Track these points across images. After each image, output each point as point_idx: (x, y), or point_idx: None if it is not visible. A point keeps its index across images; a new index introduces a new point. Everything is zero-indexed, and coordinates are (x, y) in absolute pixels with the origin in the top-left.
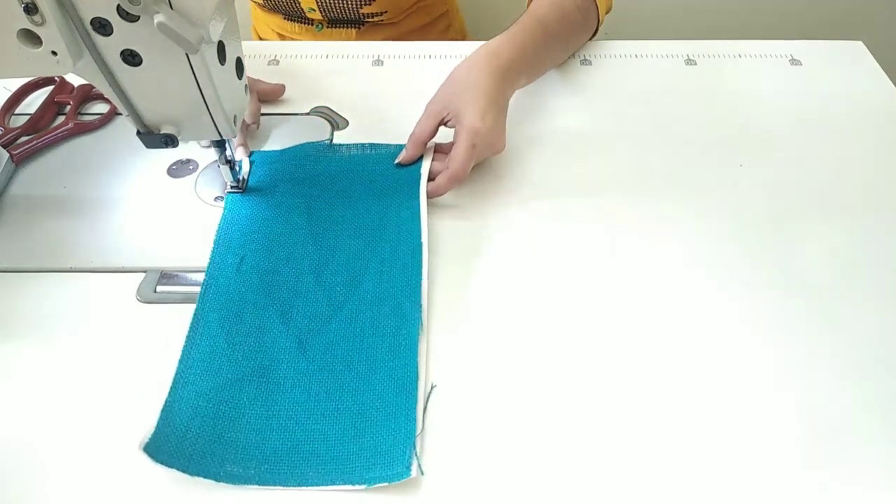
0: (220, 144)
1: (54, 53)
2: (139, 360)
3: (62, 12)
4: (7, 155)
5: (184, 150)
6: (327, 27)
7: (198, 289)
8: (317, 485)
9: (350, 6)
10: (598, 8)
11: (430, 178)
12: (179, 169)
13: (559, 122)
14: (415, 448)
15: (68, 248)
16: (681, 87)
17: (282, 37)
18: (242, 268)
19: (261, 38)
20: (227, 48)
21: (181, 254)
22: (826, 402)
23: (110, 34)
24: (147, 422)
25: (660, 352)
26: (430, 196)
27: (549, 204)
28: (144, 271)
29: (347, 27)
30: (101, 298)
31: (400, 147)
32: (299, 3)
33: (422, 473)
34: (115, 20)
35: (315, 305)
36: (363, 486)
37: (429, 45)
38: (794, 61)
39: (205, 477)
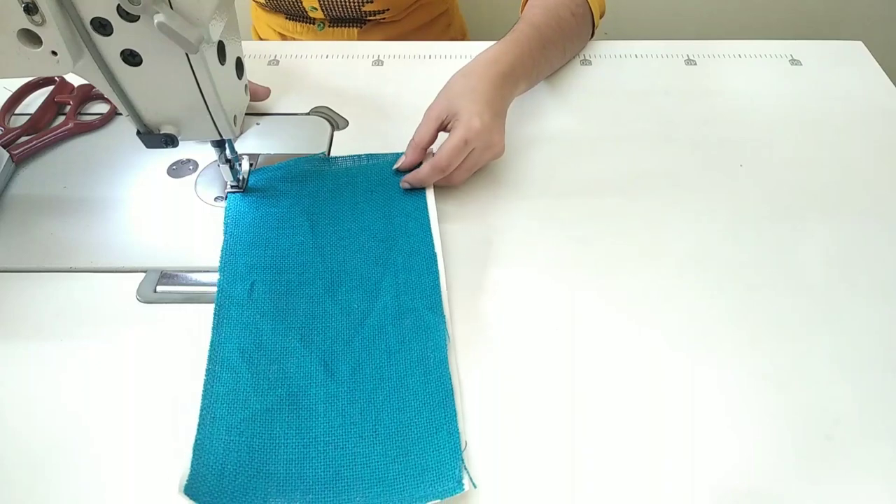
0: (219, 144)
1: (54, 53)
2: (140, 360)
3: (62, 12)
4: (7, 155)
5: (184, 150)
6: (329, 26)
7: (198, 289)
8: None
9: (352, 4)
10: (592, 13)
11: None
12: (179, 169)
13: (559, 122)
14: (463, 461)
15: (68, 248)
16: (681, 87)
17: (283, 36)
18: (254, 294)
19: (261, 38)
20: (227, 48)
21: (181, 254)
22: (824, 401)
23: (110, 34)
24: (180, 461)
25: (660, 350)
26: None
27: (551, 206)
28: (144, 271)
29: (349, 26)
30: (101, 298)
31: (397, 155)
32: (301, 3)
33: (474, 486)
34: (115, 20)
35: (335, 325)
36: None
37: (429, 45)
38: (794, 61)
39: None
